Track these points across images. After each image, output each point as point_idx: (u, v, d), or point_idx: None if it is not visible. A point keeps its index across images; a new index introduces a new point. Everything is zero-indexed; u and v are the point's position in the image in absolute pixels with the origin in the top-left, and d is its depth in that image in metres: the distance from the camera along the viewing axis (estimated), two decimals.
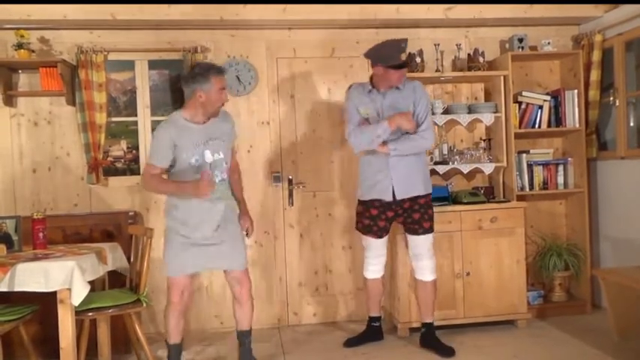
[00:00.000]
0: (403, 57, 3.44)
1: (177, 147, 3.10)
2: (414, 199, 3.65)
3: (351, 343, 3.87)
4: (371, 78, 3.68)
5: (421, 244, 3.68)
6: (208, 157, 3.18)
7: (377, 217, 3.69)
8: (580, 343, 3.76)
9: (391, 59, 3.44)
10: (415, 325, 4.01)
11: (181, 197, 3.16)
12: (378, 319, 3.96)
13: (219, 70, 3.19)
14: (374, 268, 3.82)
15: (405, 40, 3.50)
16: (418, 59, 4.30)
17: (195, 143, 3.13)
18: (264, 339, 4.14)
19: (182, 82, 3.24)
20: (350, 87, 3.81)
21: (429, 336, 3.74)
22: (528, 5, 4.34)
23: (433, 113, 4.34)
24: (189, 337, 4.07)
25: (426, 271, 3.70)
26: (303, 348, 3.92)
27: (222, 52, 4.37)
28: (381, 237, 3.74)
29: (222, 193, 3.26)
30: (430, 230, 3.69)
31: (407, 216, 3.68)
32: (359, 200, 3.81)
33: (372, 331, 3.94)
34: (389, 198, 3.62)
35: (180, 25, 4.24)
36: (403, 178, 3.60)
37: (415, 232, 3.68)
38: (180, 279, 3.21)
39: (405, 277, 4.01)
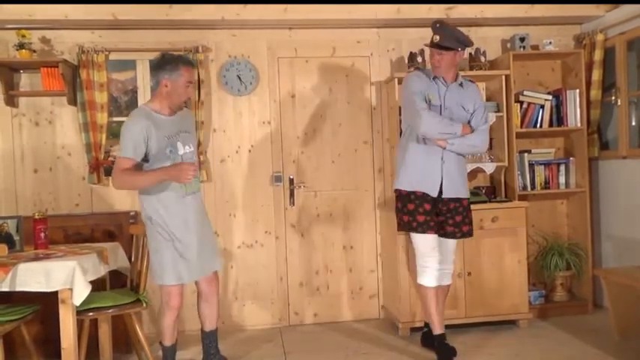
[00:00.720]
0: (435, 38, 3.34)
1: (151, 139, 3.01)
2: (458, 200, 3.50)
3: None
4: None
5: (451, 248, 3.56)
6: (180, 149, 3.14)
7: (431, 212, 3.44)
8: (581, 343, 3.76)
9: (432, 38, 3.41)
10: (417, 325, 4.01)
11: (159, 196, 3.08)
12: (445, 335, 3.52)
13: (189, 62, 3.15)
14: (437, 274, 3.48)
15: (439, 22, 3.39)
16: (419, 59, 4.30)
17: (167, 135, 3.08)
18: (265, 339, 4.14)
19: (150, 71, 3.13)
20: (409, 72, 3.68)
21: (431, 336, 3.65)
22: (530, 5, 4.33)
23: None
24: (189, 337, 4.07)
25: (447, 275, 3.58)
26: (304, 348, 3.92)
27: (224, 51, 4.37)
28: (437, 232, 3.47)
29: (195, 187, 3.24)
30: (468, 234, 3.56)
31: (450, 216, 3.48)
32: (408, 197, 3.47)
33: (449, 350, 3.47)
34: (434, 194, 3.43)
35: (181, 25, 4.24)
36: (453, 176, 3.45)
37: (452, 236, 3.50)
38: (178, 286, 3.18)
39: (405, 276, 4.01)
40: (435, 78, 3.46)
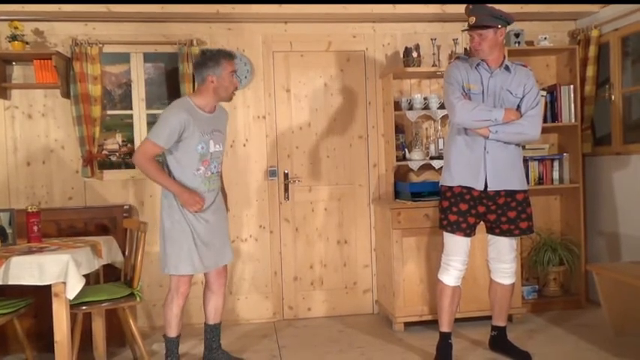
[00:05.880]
0: (471, 20, 3.17)
1: (186, 132, 3.08)
2: (510, 194, 3.26)
3: None
4: None
5: (508, 247, 3.35)
6: (212, 147, 3.20)
7: (466, 213, 3.25)
8: (574, 337, 3.78)
9: None
10: (410, 319, 4.02)
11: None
12: (451, 335, 3.43)
13: (229, 54, 3.20)
14: (459, 274, 3.34)
15: (471, 4, 3.26)
16: (415, 54, 4.30)
17: (202, 132, 3.14)
18: (259, 333, 4.15)
19: (194, 69, 3.23)
20: (454, 59, 3.47)
21: (501, 340, 3.53)
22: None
23: (428, 108, 4.34)
24: (184, 331, 4.06)
25: (507, 274, 3.40)
26: (299, 342, 3.93)
27: (218, 45, 4.33)
28: (469, 236, 3.29)
29: (215, 185, 3.30)
30: (528, 231, 3.31)
31: (501, 213, 3.27)
32: (444, 194, 3.34)
33: (450, 350, 3.40)
34: (480, 187, 3.22)
35: (176, 18, 4.21)
36: (498, 167, 3.21)
37: (509, 234, 3.29)
38: (190, 275, 3.24)
39: (400, 271, 4.01)
40: (478, 65, 3.25)
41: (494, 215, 3.30)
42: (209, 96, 3.19)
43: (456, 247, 3.31)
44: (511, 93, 3.23)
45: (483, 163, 3.22)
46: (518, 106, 3.24)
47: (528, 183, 4.47)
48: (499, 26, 3.17)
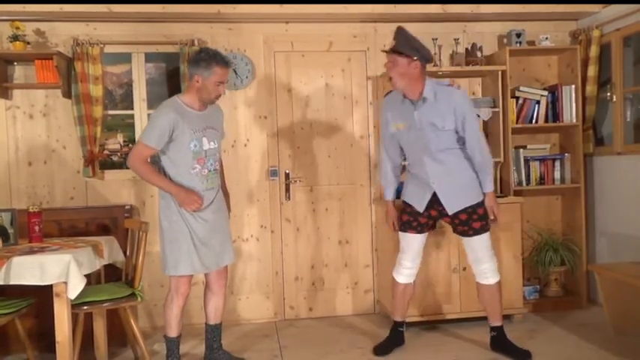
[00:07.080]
0: (392, 43, 3.22)
1: (177, 131, 3.08)
2: None
3: (380, 350, 3.59)
4: None
5: (477, 246, 3.41)
6: (205, 144, 3.19)
7: (417, 213, 3.46)
8: (575, 338, 3.78)
9: None
10: (410, 320, 4.01)
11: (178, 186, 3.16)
12: (403, 324, 3.68)
13: (224, 62, 3.17)
14: (408, 272, 3.54)
15: (400, 28, 3.25)
16: None
17: (194, 129, 3.13)
18: (261, 333, 4.15)
19: (187, 64, 3.21)
20: (385, 94, 3.54)
21: (500, 340, 3.53)
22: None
23: None
24: (184, 331, 4.06)
25: (487, 274, 3.45)
26: (300, 342, 3.93)
27: (220, 45, 4.34)
28: (421, 232, 3.49)
29: (214, 183, 3.29)
30: (482, 230, 3.39)
31: (453, 216, 3.40)
32: (403, 197, 3.62)
33: (398, 336, 3.66)
34: (421, 209, 3.43)
35: (177, 18, 4.22)
36: (449, 192, 3.36)
37: (465, 234, 3.42)
38: (189, 275, 3.25)
39: None
40: (403, 99, 3.33)
41: (448, 218, 3.46)
42: (194, 95, 3.18)
43: (407, 244, 3.52)
44: (436, 126, 3.26)
45: (430, 193, 3.39)
46: (456, 132, 3.32)
47: (530, 183, 4.48)
48: (414, 58, 3.18)
